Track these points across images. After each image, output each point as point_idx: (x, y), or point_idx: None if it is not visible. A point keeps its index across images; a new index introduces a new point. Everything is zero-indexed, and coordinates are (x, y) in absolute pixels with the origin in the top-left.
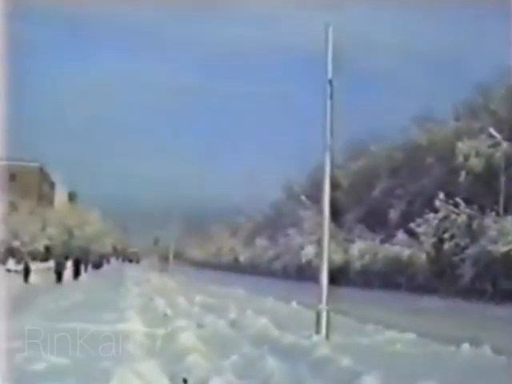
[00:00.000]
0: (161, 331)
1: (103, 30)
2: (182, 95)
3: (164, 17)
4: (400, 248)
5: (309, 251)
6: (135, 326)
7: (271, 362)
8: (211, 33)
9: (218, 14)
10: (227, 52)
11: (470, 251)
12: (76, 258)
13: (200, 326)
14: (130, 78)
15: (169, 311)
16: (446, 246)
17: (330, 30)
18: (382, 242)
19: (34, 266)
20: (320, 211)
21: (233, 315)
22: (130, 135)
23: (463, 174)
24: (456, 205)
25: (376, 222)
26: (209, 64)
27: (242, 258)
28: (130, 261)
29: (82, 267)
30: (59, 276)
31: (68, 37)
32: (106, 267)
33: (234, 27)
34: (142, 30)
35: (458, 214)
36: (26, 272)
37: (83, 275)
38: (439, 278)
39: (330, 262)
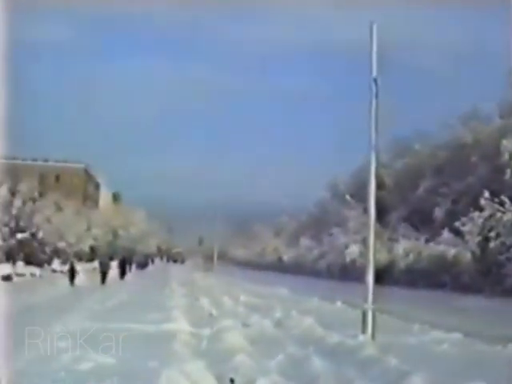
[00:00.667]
0: (206, 331)
1: (139, 30)
2: (223, 96)
3: (202, 16)
4: (445, 247)
5: (353, 250)
6: (181, 326)
7: (317, 363)
8: (251, 33)
9: (258, 14)
10: (269, 52)
11: None
12: (122, 259)
13: (245, 325)
14: (168, 79)
15: (214, 311)
16: (492, 244)
17: (375, 28)
18: (427, 241)
19: (80, 267)
20: (364, 210)
21: (278, 315)
22: (173, 136)
23: (509, 171)
24: (501, 203)
25: (421, 220)
26: (250, 65)
27: (285, 258)
28: (175, 261)
29: (128, 267)
30: (104, 277)
31: (106, 37)
32: (150, 267)
33: (275, 27)
34: (177, 31)
35: (503, 213)
36: (72, 273)
37: (128, 275)
38: (484, 277)
39: (375, 261)
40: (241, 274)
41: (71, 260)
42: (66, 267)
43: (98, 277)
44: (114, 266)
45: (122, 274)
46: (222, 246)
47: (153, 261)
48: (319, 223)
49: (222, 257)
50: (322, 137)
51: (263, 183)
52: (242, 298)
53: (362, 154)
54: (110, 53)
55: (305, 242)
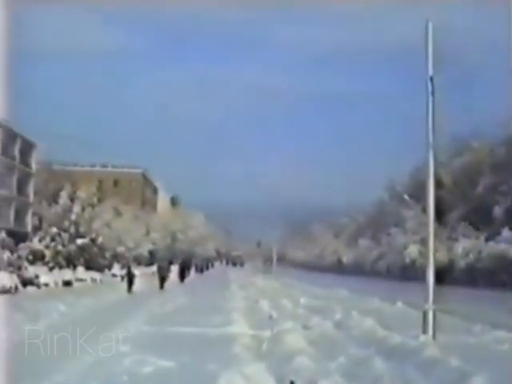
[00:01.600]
0: (267, 333)
1: (196, 32)
2: (280, 97)
3: (257, 18)
4: (505, 246)
5: (412, 250)
6: (241, 328)
7: (378, 363)
8: (306, 34)
9: (312, 14)
10: (325, 52)
11: None
12: (182, 262)
13: (306, 327)
14: (226, 81)
15: (274, 313)
16: None
17: (430, 26)
18: (487, 239)
19: (139, 271)
20: (423, 210)
21: (338, 316)
22: (229, 139)
23: None
24: None
25: (480, 219)
26: (306, 65)
27: (345, 259)
28: (234, 264)
29: (187, 271)
30: (162, 281)
31: (161, 40)
32: (209, 271)
33: (330, 27)
34: (234, 32)
35: None
36: (130, 278)
37: (188, 279)
38: None
39: (435, 260)
40: (300, 275)
41: (129, 265)
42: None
43: (158, 281)
44: (173, 269)
45: (182, 277)
46: (280, 248)
47: (212, 264)
48: (378, 224)
49: (281, 259)
50: (379, 137)
51: (321, 185)
52: (302, 299)
53: (419, 154)
54: (177, 58)
55: (364, 242)
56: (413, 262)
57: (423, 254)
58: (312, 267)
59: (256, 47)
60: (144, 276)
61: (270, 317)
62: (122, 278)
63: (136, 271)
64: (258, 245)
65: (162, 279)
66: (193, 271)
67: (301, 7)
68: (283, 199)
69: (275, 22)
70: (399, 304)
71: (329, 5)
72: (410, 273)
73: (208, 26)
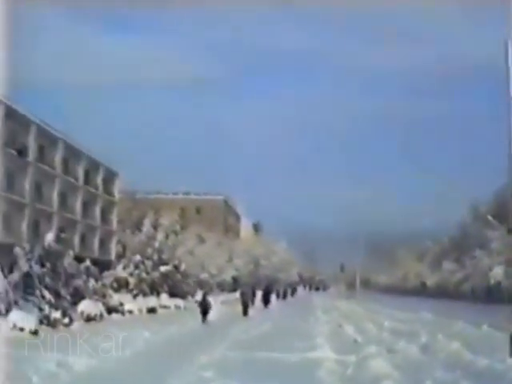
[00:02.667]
0: (352, 358)
1: (268, 56)
2: (358, 118)
3: (333, 39)
4: None
5: (497, 272)
6: (326, 353)
7: None
8: (379, 54)
9: (386, 35)
10: (401, 72)
11: None
12: (265, 288)
13: (391, 351)
14: (300, 103)
15: (359, 338)
16: None
17: (510, 44)
18: None
19: (223, 297)
20: (508, 231)
21: (423, 340)
22: (311, 165)
23: None
24: None
25: None
26: (381, 86)
27: (428, 282)
28: (317, 289)
29: (271, 296)
30: (246, 308)
31: (243, 74)
32: (293, 296)
33: (407, 47)
34: (307, 54)
35: None
36: (204, 309)
37: (272, 304)
38: None
39: None
40: (384, 299)
41: (204, 293)
42: (210, 298)
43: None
44: (256, 295)
45: (266, 302)
46: (364, 272)
47: (295, 289)
48: (462, 246)
49: (365, 283)
50: (460, 159)
51: (404, 208)
52: (387, 323)
53: (502, 174)
54: (242, 84)
55: (448, 265)
56: (498, 283)
57: (509, 276)
58: (395, 291)
59: (334, 71)
60: (227, 302)
61: (355, 341)
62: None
63: (212, 300)
64: (342, 269)
65: (246, 305)
66: (276, 296)
67: (370, 27)
68: (366, 223)
69: (345, 43)
70: (485, 327)
71: (405, 27)
72: (495, 295)
73: (290, 54)
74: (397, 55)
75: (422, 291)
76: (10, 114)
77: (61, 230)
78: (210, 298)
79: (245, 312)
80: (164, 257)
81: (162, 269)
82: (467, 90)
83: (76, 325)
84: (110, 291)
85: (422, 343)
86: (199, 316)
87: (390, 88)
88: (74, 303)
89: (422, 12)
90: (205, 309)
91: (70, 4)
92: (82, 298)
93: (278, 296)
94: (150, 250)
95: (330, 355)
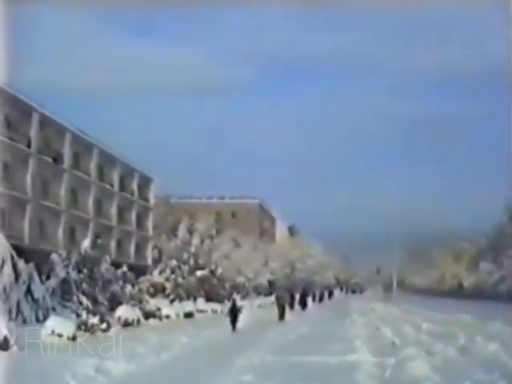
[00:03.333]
0: (390, 361)
1: (303, 60)
2: (395, 123)
3: (377, 42)
4: None
5: None
6: (364, 356)
7: None
8: (429, 57)
9: (437, 37)
10: (448, 76)
11: None
12: (302, 290)
13: (429, 353)
14: (339, 105)
15: (396, 340)
16: None
17: None
18: None
19: (259, 301)
20: None
21: (462, 342)
22: (346, 167)
23: None
24: None
25: None
26: (428, 89)
27: (466, 283)
28: (353, 291)
29: (307, 299)
30: (282, 311)
31: (278, 77)
32: (329, 298)
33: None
34: (349, 56)
35: None
36: (234, 315)
37: (308, 307)
38: None
39: None
40: (420, 301)
41: (233, 298)
42: (247, 302)
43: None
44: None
45: (303, 306)
46: (399, 273)
47: (331, 292)
48: (498, 246)
49: (401, 285)
50: (496, 157)
51: (439, 209)
52: (424, 325)
53: None
54: (277, 90)
55: (485, 266)
56: None
57: None
58: (432, 292)
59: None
60: (264, 306)
61: (393, 343)
62: (243, 308)
63: (257, 300)
64: (378, 271)
65: (282, 309)
66: (312, 300)
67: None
68: (402, 225)
69: (392, 45)
70: None
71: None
72: None
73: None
74: (429, 55)
75: (459, 292)
76: (45, 121)
77: (97, 236)
78: (244, 303)
79: (281, 316)
80: (200, 261)
81: (199, 273)
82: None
83: (113, 330)
84: (147, 296)
85: (459, 345)
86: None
87: (424, 89)
88: (112, 309)
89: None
90: (235, 316)
91: (97, 10)
92: (119, 303)
93: (314, 299)
94: (185, 255)
95: (368, 358)
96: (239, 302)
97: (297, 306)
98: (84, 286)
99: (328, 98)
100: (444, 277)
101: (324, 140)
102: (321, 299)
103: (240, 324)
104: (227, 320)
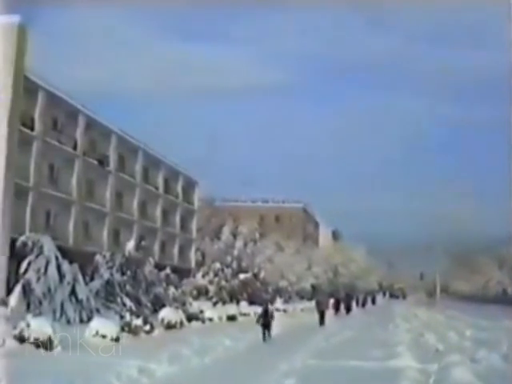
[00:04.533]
0: (433, 367)
1: (353, 67)
2: (435, 124)
3: (419, 49)
4: None
5: None
6: (407, 362)
7: None
8: (469, 60)
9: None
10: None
11: None
12: (347, 295)
13: (473, 360)
14: (386, 115)
15: (440, 346)
16: None
17: None
18: None
19: (302, 305)
20: None
21: (505, 348)
22: (390, 171)
23: None
24: None
25: None
26: (470, 94)
27: (510, 290)
28: (396, 297)
29: (351, 304)
30: (322, 316)
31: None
32: (372, 304)
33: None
34: (391, 64)
35: None
36: (267, 323)
37: (351, 312)
38: None
39: None
40: (464, 307)
41: (266, 304)
42: (290, 306)
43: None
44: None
45: (348, 309)
46: (443, 279)
47: (374, 297)
48: None
49: (444, 291)
50: None
51: (483, 215)
52: (468, 332)
53: None
54: (311, 92)
55: None
56: None
57: None
58: (476, 298)
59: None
60: (307, 310)
61: (436, 350)
62: (285, 311)
63: (299, 305)
64: (421, 277)
65: (322, 314)
66: (355, 304)
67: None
68: (445, 231)
69: (432, 50)
70: None
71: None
72: None
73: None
74: (467, 57)
75: (503, 299)
76: (91, 124)
77: (141, 238)
78: (287, 306)
79: (321, 321)
80: (243, 265)
81: (242, 276)
82: None
83: (157, 332)
84: (190, 299)
85: (503, 352)
86: (279, 323)
87: (466, 92)
88: (155, 310)
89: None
90: (267, 323)
91: (146, 13)
92: (163, 305)
93: (357, 304)
94: (229, 258)
95: (411, 364)
96: (282, 306)
97: (339, 311)
98: (128, 287)
99: (375, 101)
100: (488, 283)
101: (369, 144)
102: (363, 304)
103: (281, 328)
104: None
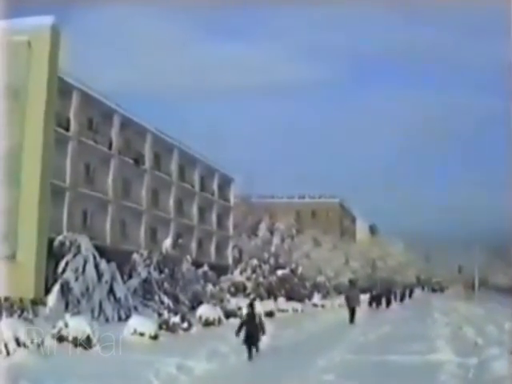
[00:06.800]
0: (473, 361)
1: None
2: (474, 119)
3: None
4: None
5: None
6: (446, 356)
7: None
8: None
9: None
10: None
11: None
12: (386, 289)
13: None
14: (412, 104)
15: (479, 340)
16: None
17: None
18: None
19: (340, 300)
20: None
21: None
22: (426, 165)
23: None
24: None
25: None
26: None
27: None
28: (434, 290)
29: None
30: (352, 313)
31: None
32: (410, 298)
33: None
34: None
35: None
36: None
37: (391, 306)
38: None
39: None
40: (503, 300)
41: (250, 302)
42: (328, 302)
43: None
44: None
45: (387, 303)
46: (482, 272)
47: (412, 291)
48: None
49: (483, 284)
50: None
51: None
52: (507, 325)
53: None
54: (354, 91)
55: None
56: None
57: None
58: None
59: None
60: (344, 305)
61: (476, 343)
62: (323, 307)
63: (337, 300)
64: (459, 270)
65: (352, 311)
66: (393, 299)
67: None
68: (484, 224)
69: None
70: None
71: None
72: None
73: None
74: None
75: None
76: (126, 122)
77: (178, 236)
78: (325, 302)
79: (351, 319)
80: (280, 261)
81: (279, 273)
82: None
83: (195, 329)
84: (228, 296)
85: None
86: (317, 319)
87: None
88: (193, 308)
89: None
90: (252, 336)
91: (178, 12)
92: (200, 302)
93: (395, 298)
94: (266, 255)
95: (450, 358)
96: (320, 302)
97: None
98: (165, 285)
99: (410, 96)
100: None
101: (407, 139)
102: (402, 298)
103: (319, 324)
104: (307, 319)
